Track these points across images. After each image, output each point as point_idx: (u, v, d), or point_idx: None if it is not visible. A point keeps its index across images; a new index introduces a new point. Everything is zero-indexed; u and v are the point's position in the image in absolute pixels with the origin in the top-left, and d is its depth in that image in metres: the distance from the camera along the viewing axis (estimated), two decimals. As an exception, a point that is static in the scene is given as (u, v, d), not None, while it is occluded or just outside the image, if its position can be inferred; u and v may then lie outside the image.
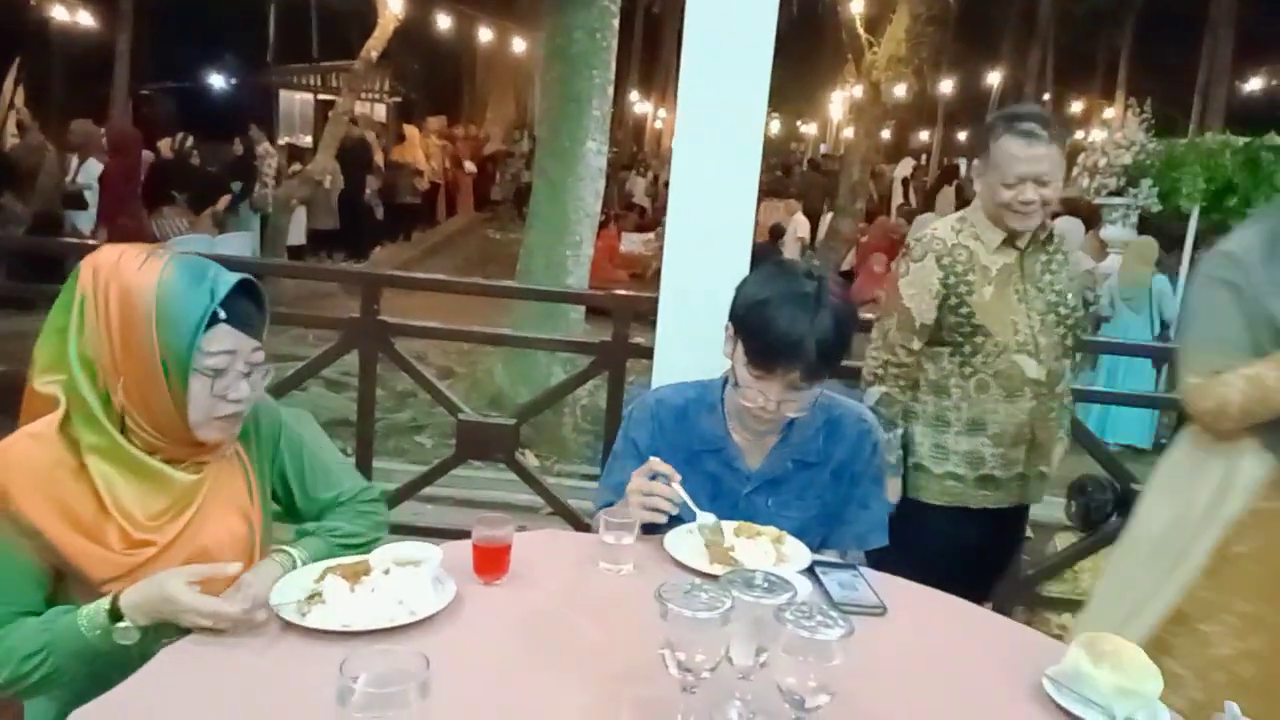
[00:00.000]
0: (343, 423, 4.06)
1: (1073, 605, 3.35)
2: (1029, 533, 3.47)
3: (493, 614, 1.37)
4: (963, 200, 6.26)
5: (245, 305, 1.36)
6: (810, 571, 1.55)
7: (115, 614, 1.25)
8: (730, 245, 2.76)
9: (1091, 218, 7.59)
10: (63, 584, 1.33)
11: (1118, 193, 7.20)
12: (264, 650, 1.22)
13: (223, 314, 1.32)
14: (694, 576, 1.50)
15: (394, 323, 3.29)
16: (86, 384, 1.31)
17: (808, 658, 1.01)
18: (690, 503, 1.59)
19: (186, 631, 1.25)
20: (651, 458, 1.64)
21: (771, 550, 1.58)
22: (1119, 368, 5.96)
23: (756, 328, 1.60)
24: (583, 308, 5.77)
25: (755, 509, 1.74)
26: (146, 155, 8.75)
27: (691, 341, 2.61)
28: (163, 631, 1.26)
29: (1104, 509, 3.45)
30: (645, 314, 2.98)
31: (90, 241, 7.28)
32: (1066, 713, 1.20)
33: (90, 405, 1.32)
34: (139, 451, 1.34)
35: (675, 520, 1.63)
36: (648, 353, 2.93)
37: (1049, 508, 3.91)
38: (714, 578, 1.47)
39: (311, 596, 1.30)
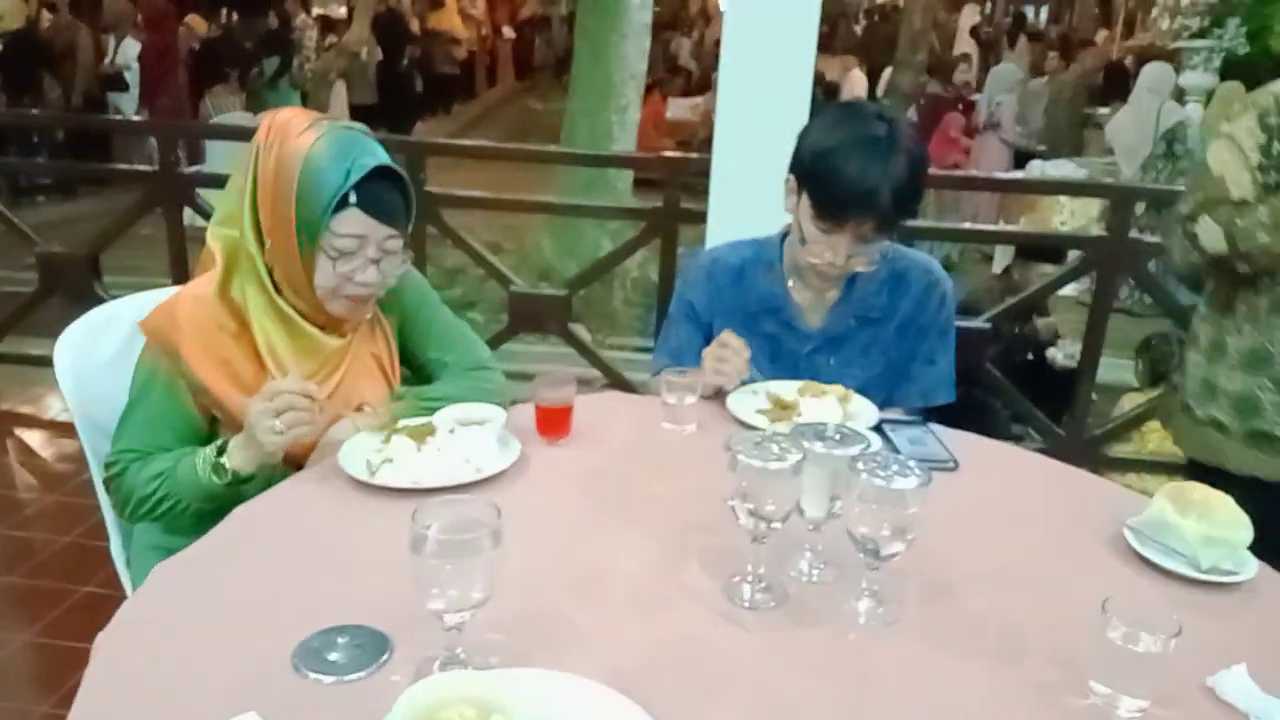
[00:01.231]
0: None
1: (1139, 466, 3.30)
2: (1093, 396, 3.40)
3: (558, 472, 1.37)
4: (1040, 48, 5.81)
5: (384, 191, 1.36)
6: (878, 429, 1.51)
7: (222, 450, 1.31)
8: (787, 101, 2.62)
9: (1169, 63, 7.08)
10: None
11: (1200, 34, 6.70)
12: (334, 508, 1.23)
13: (353, 198, 1.32)
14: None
15: (439, 193, 3.24)
16: (254, 241, 1.36)
17: (883, 506, 0.99)
18: (757, 375, 1.57)
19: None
20: (725, 331, 1.59)
21: (837, 409, 1.54)
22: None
23: (825, 177, 1.51)
24: (630, 178, 5.63)
25: (817, 369, 1.70)
26: (184, 32, 8.59)
27: (746, 204, 2.53)
28: (262, 482, 1.32)
29: (1167, 361, 3.35)
30: (695, 182, 2.88)
31: (134, 119, 7.32)
32: (1148, 562, 1.17)
33: (256, 261, 1.37)
34: (292, 312, 1.40)
35: None
36: (700, 218, 2.85)
37: (1113, 370, 3.83)
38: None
39: (381, 458, 1.31)
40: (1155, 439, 3.33)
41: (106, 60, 8.19)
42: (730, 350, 1.57)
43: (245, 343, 1.39)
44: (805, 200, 1.56)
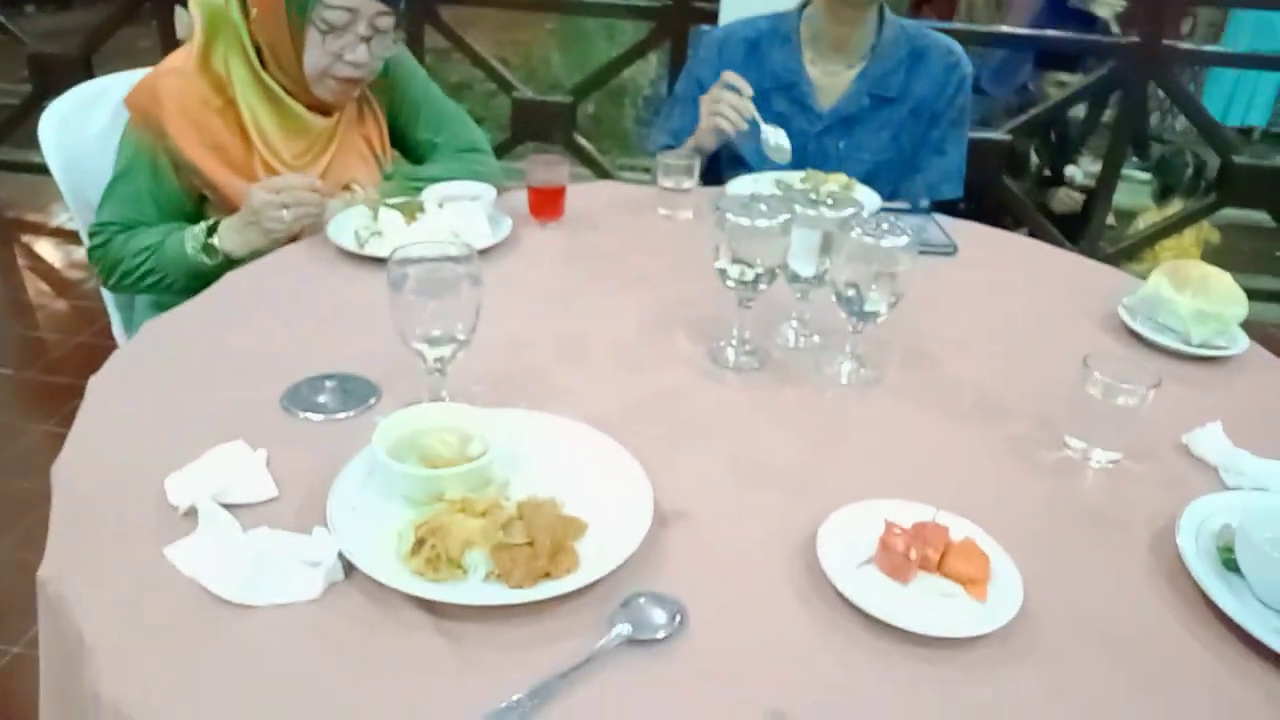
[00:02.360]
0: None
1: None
2: (1110, 220, 3.32)
3: (549, 250, 1.36)
4: None
5: None
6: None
7: (212, 231, 1.30)
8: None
9: None
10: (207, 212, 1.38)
11: None
12: (322, 276, 1.23)
13: None
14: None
15: (437, -13, 3.06)
16: (239, 9, 1.31)
17: (870, 262, 0.97)
18: (759, 118, 1.50)
19: None
20: (725, 71, 1.52)
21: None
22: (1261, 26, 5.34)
23: None
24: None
25: (825, 152, 1.65)
26: None
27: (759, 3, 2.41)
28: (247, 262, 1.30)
29: (1181, 174, 3.25)
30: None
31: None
32: (1140, 338, 1.17)
33: (241, 31, 1.32)
34: (278, 88, 1.35)
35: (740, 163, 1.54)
36: (712, 17, 2.71)
37: (1130, 194, 3.72)
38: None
39: (370, 231, 1.30)
40: (1169, 255, 3.28)
41: None
42: (729, 94, 1.50)
43: (231, 118, 1.35)
44: None
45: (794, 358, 1.09)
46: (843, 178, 1.55)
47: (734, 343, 1.08)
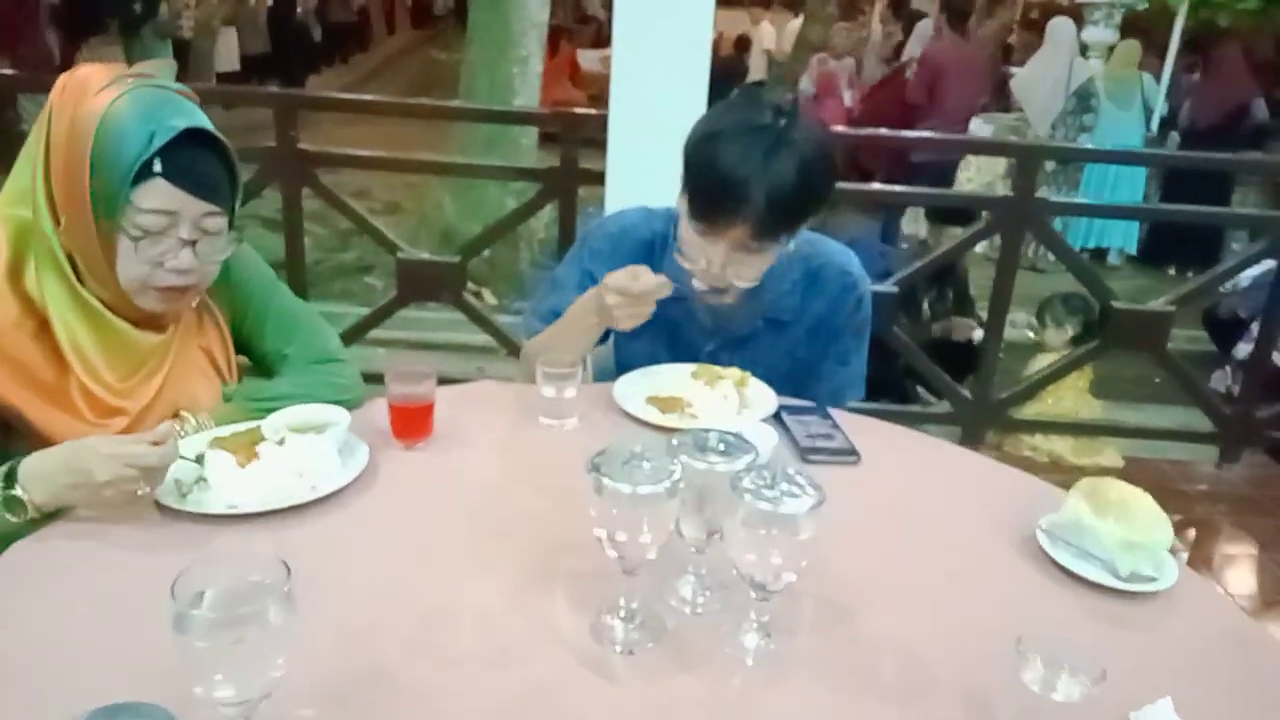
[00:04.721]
0: (282, 265, 3.79)
1: (1045, 428, 3.29)
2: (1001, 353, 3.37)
3: (409, 484, 1.19)
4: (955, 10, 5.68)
5: (198, 159, 1.15)
6: (776, 418, 1.38)
7: (11, 479, 1.05)
8: (685, 57, 2.46)
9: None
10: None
11: (1102, -11, 6.72)
12: (133, 541, 1.03)
13: (158, 166, 1.11)
14: (645, 430, 1.34)
15: (314, 151, 2.97)
16: (49, 220, 1.14)
17: (770, 532, 0.84)
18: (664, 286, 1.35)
19: None
20: (637, 267, 1.37)
21: (734, 394, 1.40)
22: (1109, 172, 5.74)
23: (699, 166, 1.31)
24: (535, 134, 5.37)
25: (718, 365, 1.55)
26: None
27: (645, 166, 2.37)
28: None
29: (1079, 321, 3.34)
30: (599, 138, 2.69)
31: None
32: (1062, 568, 1.07)
33: (53, 244, 1.15)
34: (99, 305, 1.18)
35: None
36: (600, 178, 2.68)
37: (1020, 329, 3.82)
38: (670, 430, 1.32)
39: (194, 476, 1.11)
40: (1051, 398, 3.33)
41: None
42: (642, 292, 1.34)
43: (47, 342, 1.16)
44: (684, 197, 1.36)
45: (691, 627, 0.95)
46: (736, 372, 1.45)
47: (622, 614, 0.93)
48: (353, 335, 3.09)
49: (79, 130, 1.10)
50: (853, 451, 1.31)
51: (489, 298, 5.02)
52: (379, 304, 3.26)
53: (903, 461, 1.34)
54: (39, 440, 1.12)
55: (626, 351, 1.59)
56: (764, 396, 1.42)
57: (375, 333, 3.21)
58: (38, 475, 1.05)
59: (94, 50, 6.60)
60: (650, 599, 0.95)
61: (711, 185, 1.29)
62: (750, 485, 0.85)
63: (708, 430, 0.95)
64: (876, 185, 4.05)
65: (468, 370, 4.07)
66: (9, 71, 5.07)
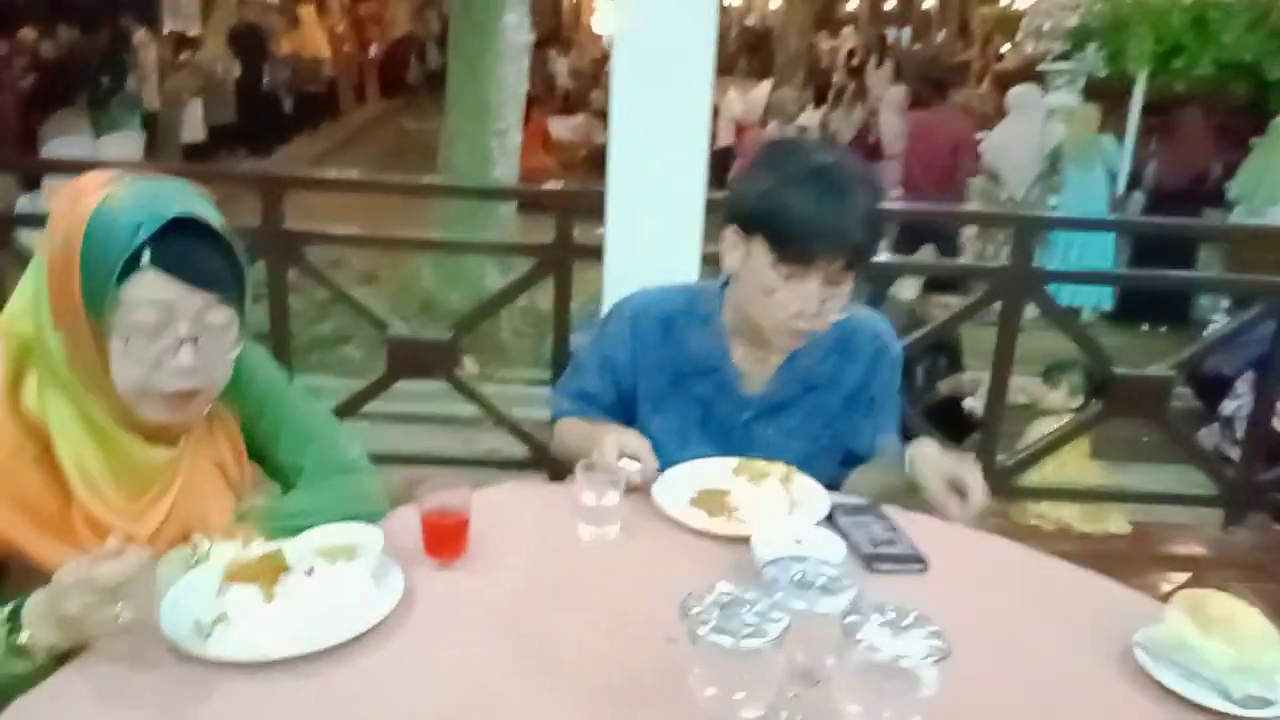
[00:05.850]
0: (262, 339, 3.67)
1: (1051, 494, 3.24)
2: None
3: (451, 612, 1.09)
4: (927, 79, 5.85)
5: (194, 247, 1.04)
6: (829, 519, 1.30)
7: (14, 623, 0.95)
8: (684, 130, 2.43)
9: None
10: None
11: (1063, 56, 6.95)
12: (149, 693, 0.92)
13: (147, 256, 1.01)
14: (692, 535, 1.26)
15: (302, 231, 2.88)
16: (52, 332, 1.05)
17: (885, 685, 0.76)
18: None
19: None
20: (628, 434, 1.35)
21: (782, 494, 1.33)
22: (1075, 237, 5.84)
23: (777, 213, 1.32)
24: (514, 203, 5.34)
25: (753, 439, 1.49)
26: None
27: (644, 239, 2.32)
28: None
29: (1086, 387, 3.33)
30: (587, 210, 2.64)
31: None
32: (1164, 687, 0.99)
33: (56, 359, 1.04)
34: (104, 419, 1.07)
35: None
36: (595, 253, 2.62)
37: (1023, 394, 3.79)
38: (719, 537, 1.24)
39: (215, 614, 1.00)
40: (1052, 464, 3.29)
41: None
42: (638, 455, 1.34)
43: (48, 468, 1.06)
44: (759, 249, 1.35)
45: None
46: (781, 466, 1.38)
47: (712, 771, 0.83)
48: (340, 412, 2.97)
49: (70, 233, 1.02)
50: (919, 559, 1.23)
51: (470, 366, 4.92)
52: (359, 374, 3.14)
53: (972, 567, 1.26)
54: (41, 578, 1.01)
55: (655, 428, 1.51)
56: (813, 494, 1.35)
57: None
58: (36, 614, 0.95)
59: (60, 122, 6.46)
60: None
61: (799, 227, 1.31)
62: (864, 636, 0.76)
63: (801, 560, 0.86)
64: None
65: (453, 444, 3.96)
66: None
